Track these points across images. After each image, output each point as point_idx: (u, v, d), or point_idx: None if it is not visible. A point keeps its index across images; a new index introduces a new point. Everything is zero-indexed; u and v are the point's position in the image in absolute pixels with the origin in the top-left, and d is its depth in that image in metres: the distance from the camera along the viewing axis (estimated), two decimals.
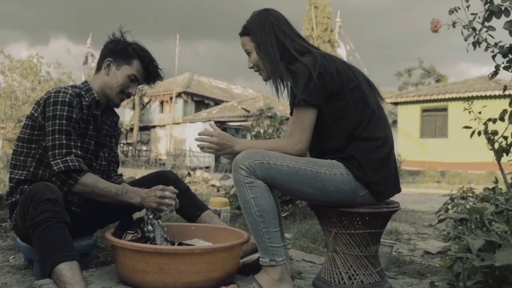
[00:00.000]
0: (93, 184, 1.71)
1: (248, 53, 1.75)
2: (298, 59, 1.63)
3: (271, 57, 1.66)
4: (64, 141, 1.71)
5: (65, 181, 1.69)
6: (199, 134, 1.64)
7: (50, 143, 1.72)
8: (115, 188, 1.76)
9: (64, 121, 1.73)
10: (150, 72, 1.96)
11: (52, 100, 1.76)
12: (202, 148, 1.62)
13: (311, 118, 1.59)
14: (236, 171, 1.52)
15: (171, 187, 1.80)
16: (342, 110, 1.60)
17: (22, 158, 1.83)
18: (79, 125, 1.81)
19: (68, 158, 1.69)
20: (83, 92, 1.88)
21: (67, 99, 1.76)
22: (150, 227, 1.75)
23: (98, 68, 1.95)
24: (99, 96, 1.90)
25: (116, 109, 2.08)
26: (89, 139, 1.89)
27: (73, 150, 1.72)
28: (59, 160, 1.68)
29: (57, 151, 1.70)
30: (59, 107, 1.75)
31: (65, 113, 1.74)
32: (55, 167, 1.68)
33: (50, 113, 1.75)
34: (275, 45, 1.66)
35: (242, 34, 1.76)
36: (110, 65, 1.91)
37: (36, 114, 1.82)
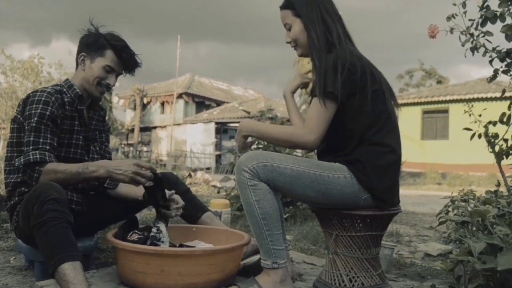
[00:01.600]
0: (53, 170, 1.67)
1: (288, 28, 1.71)
2: (336, 45, 1.59)
3: (314, 36, 1.62)
4: (31, 138, 1.71)
5: (31, 175, 1.68)
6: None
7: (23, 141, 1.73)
8: (76, 167, 1.69)
9: (35, 119, 1.73)
10: (125, 60, 1.93)
11: (30, 100, 1.78)
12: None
13: (332, 113, 1.55)
14: (239, 173, 1.51)
15: (150, 165, 1.72)
16: (359, 110, 1.56)
17: (14, 162, 1.82)
18: (61, 121, 1.81)
19: (30, 153, 1.68)
20: (65, 89, 1.89)
21: (43, 98, 1.77)
22: (156, 230, 1.74)
23: (77, 64, 1.95)
24: (81, 91, 1.91)
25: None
26: (77, 134, 1.90)
27: (40, 146, 1.71)
28: (21, 156, 1.69)
29: (25, 148, 1.71)
30: (34, 105, 1.76)
31: (38, 111, 1.74)
32: (16, 163, 1.69)
33: (27, 113, 1.76)
34: (319, 23, 1.63)
35: (284, 7, 1.71)
36: (85, 59, 1.90)
37: (18, 116, 1.82)
